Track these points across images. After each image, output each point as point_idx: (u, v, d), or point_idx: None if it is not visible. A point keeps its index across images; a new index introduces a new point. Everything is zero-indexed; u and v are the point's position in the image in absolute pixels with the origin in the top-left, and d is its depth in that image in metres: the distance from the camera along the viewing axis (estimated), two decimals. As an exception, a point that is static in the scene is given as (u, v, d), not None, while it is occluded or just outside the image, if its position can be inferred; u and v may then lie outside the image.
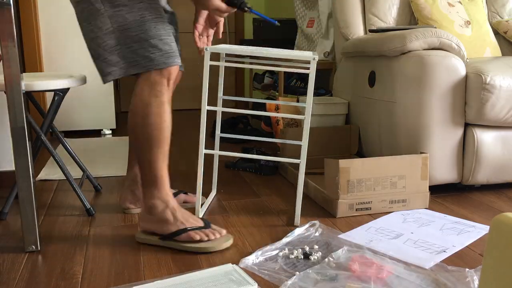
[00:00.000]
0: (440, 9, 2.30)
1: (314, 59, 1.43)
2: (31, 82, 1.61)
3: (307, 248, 1.36)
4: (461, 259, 1.35)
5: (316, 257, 1.31)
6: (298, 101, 2.52)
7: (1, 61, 1.30)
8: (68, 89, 1.74)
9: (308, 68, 1.45)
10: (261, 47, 1.74)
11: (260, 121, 3.03)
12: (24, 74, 1.64)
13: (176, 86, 1.59)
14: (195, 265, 1.30)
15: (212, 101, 3.69)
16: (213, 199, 1.82)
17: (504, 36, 2.47)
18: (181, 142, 2.85)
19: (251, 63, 2.87)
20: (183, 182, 2.04)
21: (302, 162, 1.51)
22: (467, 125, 1.85)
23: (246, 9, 1.30)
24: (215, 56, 3.38)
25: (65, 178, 1.75)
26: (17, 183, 1.35)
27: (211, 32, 1.50)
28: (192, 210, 1.59)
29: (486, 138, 1.83)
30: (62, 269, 1.29)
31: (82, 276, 1.25)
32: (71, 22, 2.99)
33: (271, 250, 1.35)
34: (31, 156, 1.35)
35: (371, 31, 2.28)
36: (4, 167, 1.98)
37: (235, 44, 4.16)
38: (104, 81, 1.34)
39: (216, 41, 3.54)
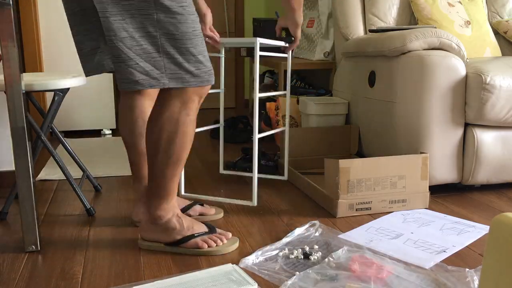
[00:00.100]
0: (440, 9, 2.30)
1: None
2: (31, 82, 1.61)
3: (307, 248, 1.36)
4: (461, 259, 1.35)
5: (316, 257, 1.31)
6: (298, 101, 2.52)
7: (1, 61, 1.30)
8: (68, 89, 1.74)
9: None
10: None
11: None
12: (24, 74, 1.64)
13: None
14: (195, 265, 1.30)
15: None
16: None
17: (504, 36, 2.47)
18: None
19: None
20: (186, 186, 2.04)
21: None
22: (467, 125, 1.85)
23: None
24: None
25: (65, 178, 1.75)
26: (17, 183, 1.35)
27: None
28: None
29: (486, 138, 1.83)
30: (62, 269, 1.29)
31: (82, 276, 1.25)
32: (71, 22, 2.99)
33: (271, 250, 1.35)
34: (31, 156, 1.35)
35: (371, 31, 2.28)
36: (4, 167, 1.98)
37: (235, 44, 4.15)
38: (125, 88, 1.18)
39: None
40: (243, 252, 1.38)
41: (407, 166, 1.70)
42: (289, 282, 1.15)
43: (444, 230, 1.53)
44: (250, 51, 3.26)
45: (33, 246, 1.39)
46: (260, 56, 1.76)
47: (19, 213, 1.36)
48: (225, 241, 1.38)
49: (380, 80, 2.02)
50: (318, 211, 1.72)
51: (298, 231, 1.48)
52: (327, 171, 1.71)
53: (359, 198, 1.66)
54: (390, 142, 1.97)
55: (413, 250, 1.38)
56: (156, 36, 1.16)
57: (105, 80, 3.09)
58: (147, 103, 1.47)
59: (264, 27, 3.36)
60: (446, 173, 1.85)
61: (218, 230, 1.42)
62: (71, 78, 1.72)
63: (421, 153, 1.77)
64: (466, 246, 1.42)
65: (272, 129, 2.67)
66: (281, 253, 1.34)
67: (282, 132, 2.18)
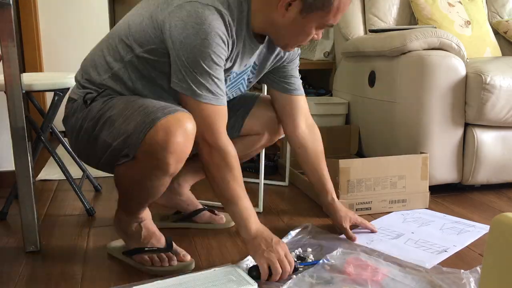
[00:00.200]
0: (440, 9, 2.30)
1: None
2: (31, 82, 1.61)
3: (300, 251, 1.34)
4: (461, 259, 1.35)
5: (310, 260, 1.29)
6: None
7: (1, 61, 1.30)
8: (68, 89, 1.74)
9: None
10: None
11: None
12: (24, 74, 1.64)
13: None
14: (195, 265, 1.29)
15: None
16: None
17: (504, 36, 2.47)
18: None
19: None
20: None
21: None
22: (467, 125, 1.85)
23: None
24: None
25: (65, 178, 1.75)
26: (17, 183, 1.35)
27: None
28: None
29: (486, 138, 1.83)
30: (62, 269, 1.28)
31: (82, 276, 1.24)
32: (71, 22, 2.99)
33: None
34: (31, 156, 1.35)
35: (371, 31, 2.28)
36: (4, 167, 1.98)
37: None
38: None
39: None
40: (243, 252, 1.38)
41: (407, 166, 1.70)
42: (284, 286, 1.15)
43: (444, 229, 1.53)
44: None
45: (33, 246, 1.38)
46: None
47: (19, 213, 1.36)
48: (174, 263, 1.27)
49: (380, 80, 2.02)
50: (318, 211, 1.71)
51: (292, 234, 1.47)
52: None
53: (359, 198, 1.66)
54: (390, 142, 1.97)
55: (415, 250, 1.38)
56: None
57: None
58: None
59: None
60: (446, 173, 1.85)
61: (177, 249, 1.31)
62: (71, 78, 1.72)
63: (421, 153, 1.77)
64: (467, 246, 1.42)
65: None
66: None
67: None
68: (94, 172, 2.10)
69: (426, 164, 1.72)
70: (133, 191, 1.22)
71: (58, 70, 3.01)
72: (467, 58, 1.89)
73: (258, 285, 1.15)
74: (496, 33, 2.47)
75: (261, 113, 1.50)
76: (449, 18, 2.28)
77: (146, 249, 1.28)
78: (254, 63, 1.34)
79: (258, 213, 1.69)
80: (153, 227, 1.33)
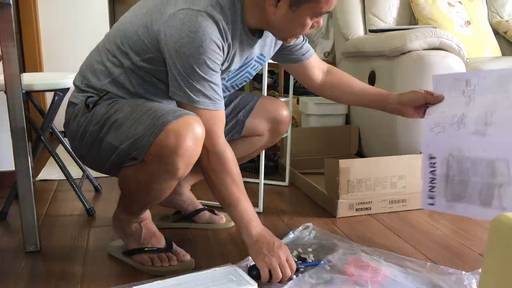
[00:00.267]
0: (440, 9, 2.30)
1: None
2: (31, 82, 1.61)
3: (301, 251, 1.34)
4: (461, 259, 1.35)
5: (310, 261, 1.29)
6: (298, 101, 2.52)
7: (1, 61, 1.30)
8: (68, 89, 1.73)
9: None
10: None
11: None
12: (24, 74, 1.64)
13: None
14: (195, 265, 1.29)
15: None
16: None
17: (504, 36, 2.47)
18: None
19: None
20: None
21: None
22: (467, 125, 1.85)
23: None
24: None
25: (65, 178, 1.75)
26: (17, 183, 1.34)
27: None
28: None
29: (486, 138, 1.83)
30: (62, 269, 1.28)
31: (82, 276, 1.24)
32: (71, 22, 2.99)
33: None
34: (31, 156, 1.35)
35: (371, 31, 2.28)
36: (4, 167, 1.98)
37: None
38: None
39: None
40: (243, 252, 1.37)
41: (407, 166, 1.70)
42: (285, 287, 1.15)
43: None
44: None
45: (33, 246, 1.38)
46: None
47: (19, 213, 1.36)
48: (174, 263, 1.27)
49: (380, 80, 2.02)
50: (318, 211, 1.71)
51: (293, 234, 1.47)
52: (327, 171, 1.71)
53: (359, 198, 1.66)
54: (390, 142, 1.97)
55: None
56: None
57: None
58: None
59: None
60: (446, 173, 1.85)
61: (177, 249, 1.32)
62: (71, 78, 1.72)
63: (421, 153, 1.77)
64: (467, 246, 1.42)
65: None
66: None
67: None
68: (94, 172, 2.10)
69: (426, 164, 1.71)
70: (138, 194, 1.22)
71: (58, 70, 3.01)
72: (467, 58, 1.89)
73: (258, 285, 1.15)
74: (496, 33, 2.47)
75: (263, 114, 1.49)
76: (449, 18, 2.28)
77: (146, 249, 1.28)
78: (262, 55, 1.34)
79: (258, 213, 1.69)
80: (153, 227, 1.33)
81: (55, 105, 1.72)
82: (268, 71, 3.47)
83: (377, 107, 1.47)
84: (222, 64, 1.19)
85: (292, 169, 2.04)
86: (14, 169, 1.33)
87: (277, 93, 2.95)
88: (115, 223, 1.34)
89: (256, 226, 1.22)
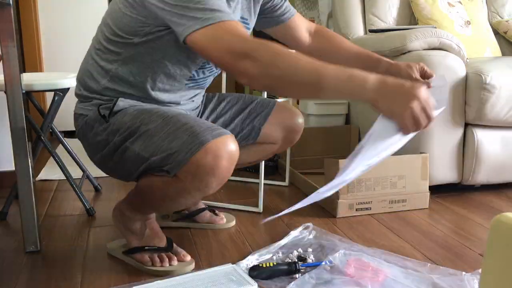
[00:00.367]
0: (440, 9, 2.30)
1: None
2: (31, 82, 1.61)
3: (300, 251, 1.34)
4: (461, 259, 1.35)
5: (311, 261, 1.29)
6: (298, 101, 2.52)
7: (1, 61, 1.30)
8: (68, 89, 1.74)
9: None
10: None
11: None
12: (24, 74, 1.64)
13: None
14: (195, 265, 1.29)
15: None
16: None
17: (504, 36, 2.47)
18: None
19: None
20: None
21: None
22: (467, 125, 1.85)
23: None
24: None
25: (65, 178, 1.75)
26: (17, 183, 1.35)
27: None
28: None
29: (486, 138, 1.83)
30: (62, 269, 1.28)
31: (82, 276, 1.24)
32: (71, 22, 2.99)
33: (265, 254, 1.33)
34: (31, 156, 1.35)
35: (371, 31, 2.28)
36: (4, 167, 1.98)
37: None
38: None
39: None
40: (243, 252, 1.38)
41: (407, 166, 1.70)
42: (286, 288, 1.15)
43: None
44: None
45: (33, 246, 1.38)
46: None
47: (19, 213, 1.36)
48: (174, 263, 1.26)
49: (380, 80, 2.02)
50: (318, 211, 1.71)
51: (293, 234, 1.47)
52: (327, 171, 1.71)
53: (359, 198, 1.66)
54: (390, 142, 1.97)
55: None
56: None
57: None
58: None
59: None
60: (446, 173, 1.85)
61: (177, 249, 1.32)
62: (71, 78, 1.72)
63: (421, 153, 1.77)
64: (467, 246, 1.42)
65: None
66: (274, 257, 1.32)
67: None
68: (94, 172, 2.10)
69: (426, 164, 1.72)
70: (160, 202, 1.20)
71: (58, 70, 3.01)
72: (467, 58, 1.89)
73: (258, 285, 1.15)
74: (496, 33, 2.47)
75: (279, 122, 1.46)
76: (449, 18, 2.28)
77: (147, 247, 1.28)
78: (243, 17, 1.29)
79: (258, 213, 1.69)
80: (156, 226, 1.33)
81: (55, 105, 1.72)
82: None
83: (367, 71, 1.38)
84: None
85: (292, 169, 2.04)
86: (14, 169, 1.33)
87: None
88: (117, 217, 1.33)
89: (369, 75, 0.97)
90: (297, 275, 1.20)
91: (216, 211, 1.60)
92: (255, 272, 1.18)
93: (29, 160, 1.34)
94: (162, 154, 1.10)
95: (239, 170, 2.23)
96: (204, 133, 1.07)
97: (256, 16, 1.36)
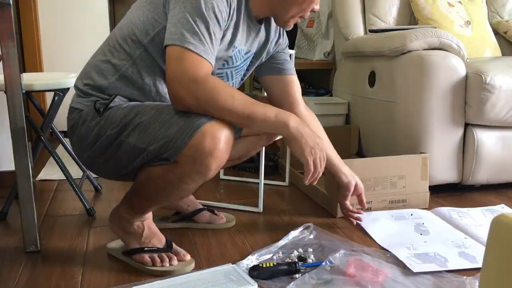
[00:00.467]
0: (440, 9, 2.30)
1: None
2: (31, 82, 1.61)
3: (301, 251, 1.34)
4: (461, 259, 1.34)
5: (311, 261, 1.29)
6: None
7: (1, 61, 1.30)
8: (68, 89, 1.74)
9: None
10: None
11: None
12: (24, 74, 1.64)
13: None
14: (195, 265, 1.29)
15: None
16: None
17: (504, 36, 2.47)
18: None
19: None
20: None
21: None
22: (467, 125, 1.85)
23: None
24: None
25: (65, 178, 1.75)
26: (17, 183, 1.35)
27: None
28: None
29: (486, 138, 1.83)
30: (62, 269, 1.28)
31: (82, 276, 1.25)
32: (71, 22, 2.99)
33: (265, 254, 1.33)
34: (31, 156, 1.35)
35: (371, 31, 2.28)
36: (4, 167, 1.98)
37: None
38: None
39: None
40: (243, 252, 1.38)
41: (407, 166, 1.70)
42: (286, 288, 1.15)
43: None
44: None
45: (33, 246, 1.38)
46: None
47: (19, 213, 1.36)
48: (174, 262, 1.26)
49: (380, 80, 2.02)
50: (318, 211, 1.71)
51: (293, 234, 1.47)
52: (327, 171, 1.71)
53: (359, 198, 1.66)
54: (390, 142, 1.97)
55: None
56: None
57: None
58: None
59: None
60: (446, 173, 1.85)
61: (177, 249, 1.32)
62: (71, 78, 1.72)
63: (421, 153, 1.77)
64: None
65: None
66: (275, 257, 1.32)
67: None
68: (94, 172, 2.10)
69: (426, 164, 1.72)
70: (160, 192, 1.20)
71: (58, 70, 3.01)
72: (467, 58, 1.89)
73: (258, 285, 1.15)
74: (496, 33, 2.47)
75: None
76: (449, 18, 2.28)
77: (146, 248, 1.28)
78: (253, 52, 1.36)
79: (258, 213, 1.69)
80: (154, 227, 1.33)
81: (55, 105, 1.72)
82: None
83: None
84: (226, 31, 1.20)
85: (292, 169, 2.04)
86: (14, 169, 1.33)
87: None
88: (114, 221, 1.32)
89: (293, 117, 1.18)
90: (297, 275, 1.20)
91: (215, 211, 1.60)
92: (255, 272, 1.18)
93: (29, 160, 1.34)
94: (159, 142, 1.12)
95: (239, 170, 2.23)
96: (199, 116, 1.10)
97: (264, 57, 1.43)
